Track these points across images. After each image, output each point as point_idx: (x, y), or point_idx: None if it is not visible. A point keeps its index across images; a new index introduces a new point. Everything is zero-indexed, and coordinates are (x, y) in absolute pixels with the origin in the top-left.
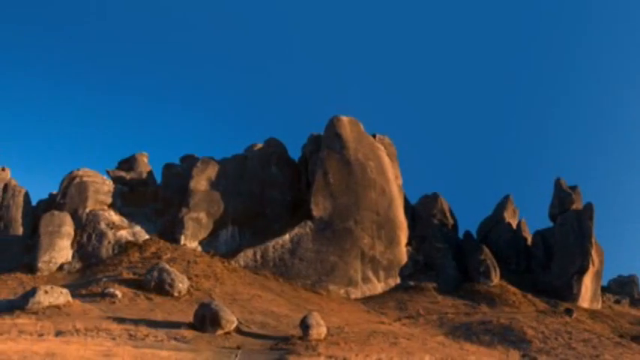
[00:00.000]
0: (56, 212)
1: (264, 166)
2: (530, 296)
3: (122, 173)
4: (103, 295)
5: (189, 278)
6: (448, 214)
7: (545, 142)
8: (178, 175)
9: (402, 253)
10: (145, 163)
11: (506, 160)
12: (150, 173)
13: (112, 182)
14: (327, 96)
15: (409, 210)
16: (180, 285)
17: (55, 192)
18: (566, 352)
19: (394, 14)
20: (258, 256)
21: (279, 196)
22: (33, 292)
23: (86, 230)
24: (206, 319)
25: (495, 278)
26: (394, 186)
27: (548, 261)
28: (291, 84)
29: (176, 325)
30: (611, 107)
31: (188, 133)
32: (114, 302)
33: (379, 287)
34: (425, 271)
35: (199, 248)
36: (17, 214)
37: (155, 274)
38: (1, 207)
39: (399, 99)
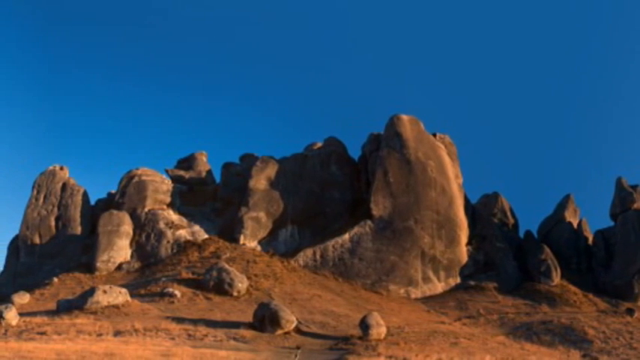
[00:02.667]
0: (115, 211)
1: (324, 166)
2: (591, 296)
3: (181, 172)
4: (162, 294)
5: (249, 278)
6: (509, 214)
7: (606, 141)
8: (237, 174)
9: (463, 252)
10: (204, 162)
11: (567, 159)
12: (209, 172)
13: (170, 181)
14: (387, 95)
15: (469, 209)
16: (240, 285)
17: (113, 191)
18: (628, 352)
19: (456, 13)
20: (318, 256)
21: (338, 195)
22: (91, 291)
23: (145, 230)
24: (265, 319)
25: (556, 278)
26: (454, 185)
27: (609, 260)
28: (352, 83)
29: (235, 325)
30: None
31: (247, 132)
32: (173, 302)
33: (439, 287)
34: (485, 271)
35: (259, 248)
36: (75, 214)
37: (214, 273)
38: (60, 206)
39: (460, 98)
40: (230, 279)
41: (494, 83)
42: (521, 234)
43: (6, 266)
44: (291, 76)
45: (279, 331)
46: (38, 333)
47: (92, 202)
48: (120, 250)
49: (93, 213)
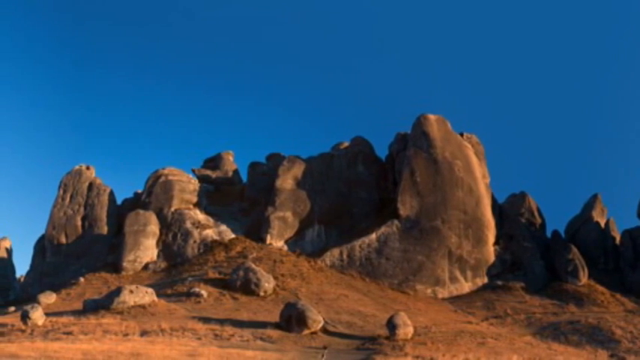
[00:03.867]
0: (141, 211)
1: (351, 165)
2: (618, 296)
3: (208, 172)
4: (189, 294)
5: (275, 278)
6: (536, 213)
7: (634, 140)
8: (264, 174)
9: (490, 252)
10: (231, 162)
11: (595, 159)
12: (235, 172)
13: (197, 181)
14: (414, 94)
15: (497, 209)
16: (266, 284)
17: (140, 191)
18: None
19: (482, 13)
20: (345, 256)
21: (365, 195)
22: (118, 291)
23: (171, 229)
24: (292, 319)
25: (583, 278)
26: (482, 185)
27: (637, 260)
28: (379, 82)
29: (262, 324)
30: None
31: (274, 132)
32: (199, 302)
33: (466, 287)
34: (512, 271)
35: (285, 247)
36: (102, 213)
37: (241, 273)
38: (86, 206)
39: (487, 97)
40: (257, 279)
41: (522, 82)
42: (549, 234)
43: (32, 266)
44: (319, 76)
45: (306, 331)
46: (64, 333)
47: (118, 201)
48: (146, 250)
49: (119, 213)
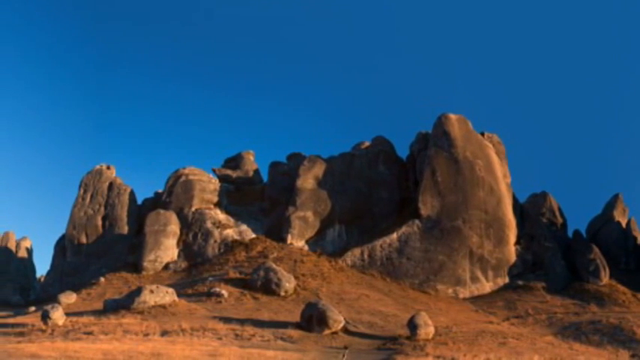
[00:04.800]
0: (162, 211)
1: (372, 165)
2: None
3: (228, 171)
4: (209, 294)
5: (296, 277)
6: (557, 213)
7: None
8: (285, 174)
9: (511, 252)
10: (252, 162)
11: (616, 159)
12: (256, 171)
13: (218, 180)
14: (435, 94)
15: (518, 209)
16: (287, 284)
17: (160, 190)
18: None
19: (501, 12)
20: (366, 256)
21: (386, 194)
22: (138, 291)
23: (192, 229)
24: (313, 319)
25: (605, 277)
26: (503, 184)
27: None
28: (399, 82)
29: (283, 324)
30: None
31: (295, 131)
32: (220, 302)
33: (487, 287)
34: (534, 270)
35: (306, 247)
36: (122, 213)
37: (262, 273)
38: (106, 205)
39: (508, 97)
40: (277, 279)
41: (543, 82)
42: (570, 233)
43: (53, 266)
44: (340, 76)
45: (327, 331)
46: (85, 333)
47: (139, 201)
48: (167, 250)
49: (140, 212)
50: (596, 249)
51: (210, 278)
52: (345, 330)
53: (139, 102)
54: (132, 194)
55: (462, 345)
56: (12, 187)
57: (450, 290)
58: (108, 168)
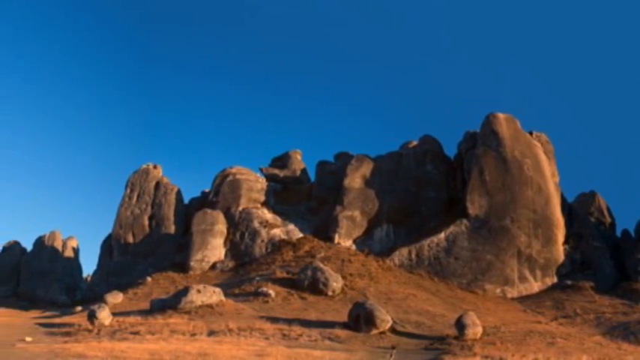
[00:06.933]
0: (209, 210)
1: (419, 164)
2: None
3: (275, 171)
4: (257, 294)
5: (344, 277)
6: (605, 212)
7: None
8: (332, 173)
9: (559, 251)
10: (299, 161)
11: None
12: (303, 171)
13: (265, 180)
14: (483, 93)
15: (566, 208)
16: (335, 284)
17: (207, 190)
18: None
19: (550, 10)
20: (413, 255)
21: (434, 194)
22: (185, 291)
23: (239, 229)
24: (360, 319)
25: None
26: (551, 184)
27: None
28: (448, 81)
29: (330, 324)
30: None
31: (342, 131)
32: (267, 301)
33: (536, 286)
34: (582, 270)
35: (353, 247)
36: (169, 213)
37: (309, 273)
38: (153, 205)
39: (557, 96)
40: (325, 278)
41: (591, 80)
42: (619, 233)
43: (99, 265)
44: (387, 75)
45: (374, 331)
46: (131, 333)
47: (186, 200)
48: (214, 250)
49: (187, 212)
50: None
51: (258, 278)
52: (393, 330)
53: (186, 101)
54: (179, 194)
55: (510, 345)
56: (59, 186)
57: (498, 290)
58: (154, 167)
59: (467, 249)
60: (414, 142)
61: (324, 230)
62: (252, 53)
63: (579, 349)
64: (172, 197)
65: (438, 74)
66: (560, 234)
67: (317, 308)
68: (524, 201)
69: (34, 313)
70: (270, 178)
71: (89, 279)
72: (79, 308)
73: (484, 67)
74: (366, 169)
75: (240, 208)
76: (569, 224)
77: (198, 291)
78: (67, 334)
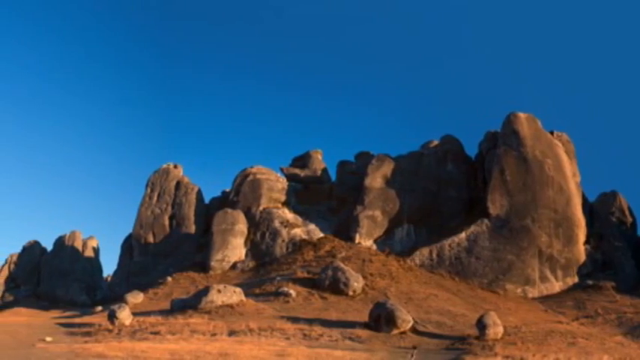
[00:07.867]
0: (229, 210)
1: (440, 164)
2: None
3: (296, 170)
4: (277, 294)
5: (364, 277)
6: (627, 212)
7: None
8: (353, 173)
9: (580, 251)
10: (320, 161)
11: None
12: (324, 170)
13: (285, 179)
14: (504, 93)
15: (587, 208)
16: (355, 284)
17: (228, 189)
18: None
19: (570, 10)
20: (434, 255)
21: (454, 193)
22: (206, 291)
23: (260, 228)
24: (381, 319)
25: None
26: (572, 183)
27: None
28: (468, 80)
29: (351, 324)
30: None
31: (363, 130)
32: (288, 301)
33: (557, 286)
34: (603, 270)
35: (374, 247)
36: (189, 212)
37: (330, 272)
38: (174, 205)
39: (577, 95)
40: (345, 278)
41: (612, 80)
42: None
43: (120, 265)
44: (408, 74)
45: (395, 331)
46: (152, 333)
47: (206, 200)
48: (234, 249)
49: (207, 212)
50: None
51: (278, 278)
52: (414, 330)
53: (207, 101)
54: (199, 193)
55: (531, 345)
56: (79, 186)
57: (519, 290)
58: (175, 167)
59: (488, 249)
60: (435, 142)
61: (345, 230)
62: (273, 53)
63: (600, 349)
64: (193, 197)
65: (459, 74)
66: (582, 234)
67: (338, 308)
68: (545, 201)
69: (54, 313)
70: (290, 177)
71: (109, 279)
72: (100, 308)
73: (505, 66)
74: (387, 168)
75: (261, 208)
76: (590, 224)
77: (219, 291)
78: (88, 334)
